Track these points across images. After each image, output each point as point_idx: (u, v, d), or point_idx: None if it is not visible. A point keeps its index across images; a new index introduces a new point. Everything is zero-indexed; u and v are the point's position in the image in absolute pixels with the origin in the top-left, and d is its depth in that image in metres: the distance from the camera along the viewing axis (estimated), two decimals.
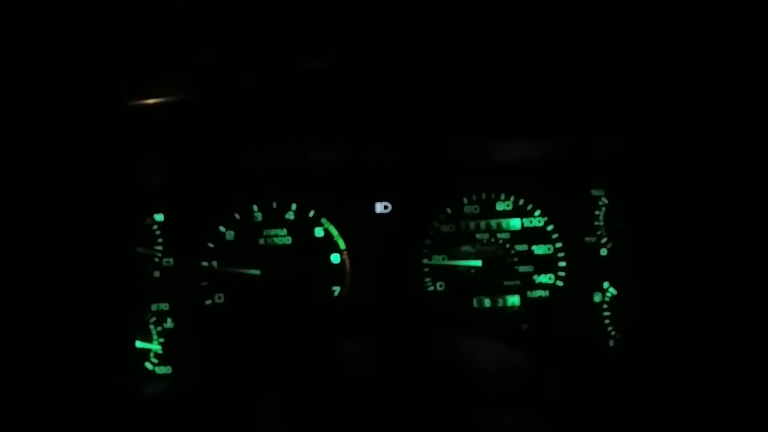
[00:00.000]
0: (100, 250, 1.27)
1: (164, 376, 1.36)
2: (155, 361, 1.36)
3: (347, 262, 1.38)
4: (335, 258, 1.39)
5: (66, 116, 1.06)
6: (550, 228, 1.39)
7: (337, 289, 1.38)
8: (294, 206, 1.39)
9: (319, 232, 1.39)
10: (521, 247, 1.38)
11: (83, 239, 1.23)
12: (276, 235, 1.38)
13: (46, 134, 1.07)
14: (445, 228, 1.39)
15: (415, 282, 1.38)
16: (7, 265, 1.09)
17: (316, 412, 1.14)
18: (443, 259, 1.38)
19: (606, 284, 1.38)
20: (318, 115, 1.11)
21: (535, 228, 1.39)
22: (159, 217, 1.38)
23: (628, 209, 1.38)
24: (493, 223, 1.39)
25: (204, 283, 1.37)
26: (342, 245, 1.39)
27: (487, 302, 1.38)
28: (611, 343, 1.37)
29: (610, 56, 1.05)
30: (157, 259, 1.37)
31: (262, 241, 1.38)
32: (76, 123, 1.07)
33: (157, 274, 1.37)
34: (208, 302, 1.37)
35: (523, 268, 1.38)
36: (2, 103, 1.00)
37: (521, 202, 1.39)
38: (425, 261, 1.38)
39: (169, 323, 1.36)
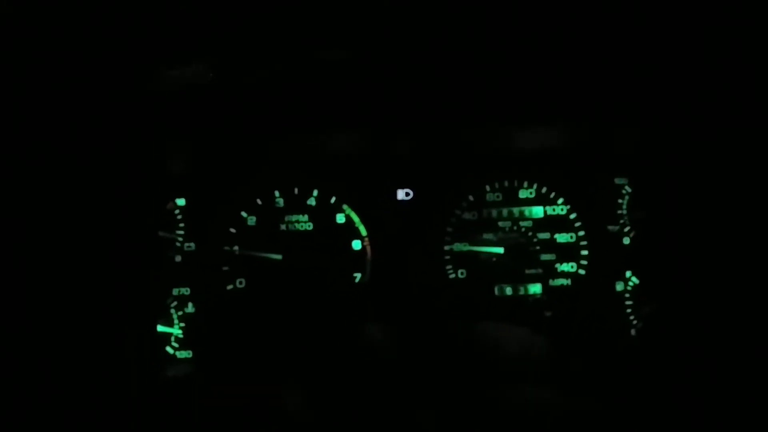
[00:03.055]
0: (122, 234, 1.28)
1: (185, 361, 1.35)
2: (176, 345, 1.36)
3: (368, 248, 1.37)
4: (356, 244, 1.38)
5: (90, 99, 1.06)
6: (572, 216, 1.38)
7: (358, 276, 1.37)
8: (316, 192, 1.38)
9: (340, 218, 1.38)
10: (543, 236, 1.37)
11: (105, 223, 1.25)
12: (297, 221, 1.37)
13: (71, 117, 1.07)
14: (467, 215, 1.38)
15: (436, 269, 1.37)
16: (29, 249, 1.10)
17: (338, 398, 1.15)
18: (465, 246, 1.37)
19: (628, 273, 1.37)
20: (341, 102, 1.10)
21: (558, 216, 1.38)
22: (181, 201, 1.38)
23: (651, 198, 1.37)
24: (516, 210, 1.38)
25: (225, 268, 1.36)
26: (363, 232, 1.38)
27: (508, 290, 1.37)
28: (633, 332, 1.36)
29: (634, 42, 1.04)
30: (178, 244, 1.37)
31: (283, 227, 1.37)
32: (100, 106, 1.07)
33: (178, 258, 1.37)
34: (230, 287, 1.36)
35: (545, 257, 1.37)
36: (27, 85, 1.00)
37: (544, 190, 1.38)
38: (447, 248, 1.37)
39: (190, 308, 1.36)
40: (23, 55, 0.96)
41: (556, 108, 1.13)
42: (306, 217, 1.38)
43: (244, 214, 1.38)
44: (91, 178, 1.21)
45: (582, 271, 1.37)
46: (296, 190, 1.38)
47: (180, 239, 1.37)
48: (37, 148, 1.09)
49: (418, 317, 1.34)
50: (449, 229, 1.38)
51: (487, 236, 1.37)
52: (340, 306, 1.36)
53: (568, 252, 1.37)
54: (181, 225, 1.38)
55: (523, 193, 1.38)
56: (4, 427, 1.04)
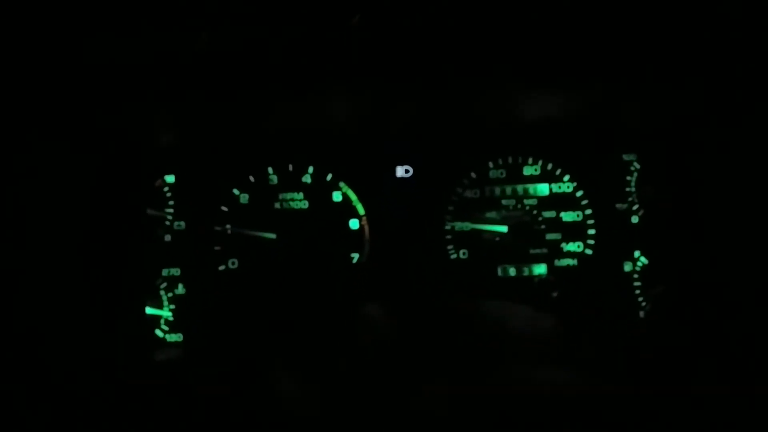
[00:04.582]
0: (108, 213, 1.24)
1: (175, 344, 1.32)
2: (166, 328, 1.32)
3: (366, 228, 1.34)
4: (354, 224, 1.34)
5: (67, 66, 1.01)
6: (579, 194, 1.34)
7: (355, 256, 1.33)
8: (311, 169, 1.34)
9: (337, 196, 1.34)
10: (549, 214, 1.33)
11: (90, 201, 1.20)
12: (292, 199, 1.34)
13: (52, 90, 1.03)
14: (469, 193, 1.34)
15: (437, 249, 1.33)
16: (8, 228, 1.05)
17: (335, 383, 1.11)
18: (467, 225, 1.33)
19: (637, 253, 1.33)
20: (335, 70, 1.05)
21: (564, 194, 1.34)
22: (170, 178, 1.34)
23: (660, 175, 1.33)
24: (520, 188, 1.34)
25: (217, 248, 1.32)
26: (361, 210, 1.34)
27: (512, 271, 1.33)
28: (642, 314, 1.32)
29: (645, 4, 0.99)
30: (168, 222, 1.33)
31: (277, 205, 1.33)
32: (81, 77, 1.02)
33: (168, 237, 1.33)
34: (221, 268, 1.32)
35: (550, 236, 1.33)
36: (9, 61, 0.96)
37: (549, 166, 1.34)
38: (448, 227, 1.34)
39: (180, 289, 1.32)
40: None
41: (563, 69, 1.07)
42: (301, 195, 1.34)
43: (236, 191, 1.33)
44: (74, 154, 1.16)
45: (589, 251, 1.33)
46: (291, 167, 1.34)
47: (169, 218, 1.33)
48: (14, 123, 1.03)
49: (418, 299, 1.30)
50: (450, 208, 1.34)
51: (490, 215, 1.33)
52: (337, 288, 1.33)
53: (574, 231, 1.33)
54: (171, 203, 1.33)
55: (527, 170, 1.34)
56: None
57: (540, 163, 1.34)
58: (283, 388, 1.12)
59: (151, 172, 1.33)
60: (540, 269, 1.32)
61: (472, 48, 1.02)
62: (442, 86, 1.13)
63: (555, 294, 1.29)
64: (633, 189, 1.33)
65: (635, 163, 1.34)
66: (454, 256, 1.33)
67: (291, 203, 1.33)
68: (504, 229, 1.32)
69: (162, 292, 1.32)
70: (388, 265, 1.32)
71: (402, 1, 0.98)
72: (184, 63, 1.02)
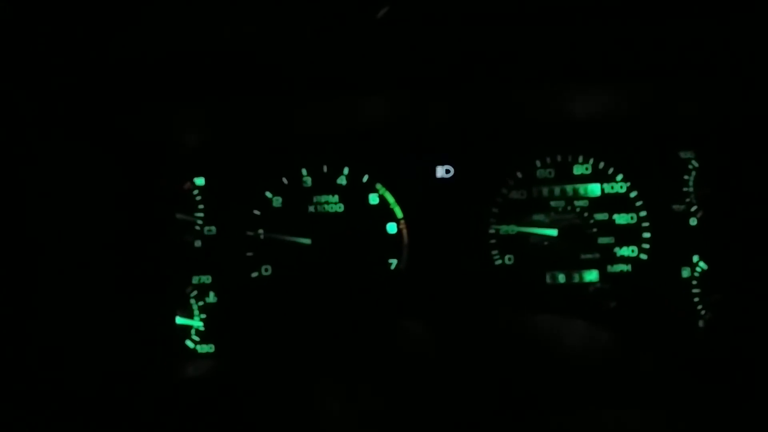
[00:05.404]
0: (135, 217, 1.23)
1: (206, 355, 1.28)
2: (197, 338, 1.29)
3: (405, 232, 1.29)
4: (392, 228, 1.29)
5: (96, 68, 0.97)
6: (633, 194, 1.27)
7: (393, 262, 1.28)
8: (346, 170, 1.30)
9: (373, 198, 1.29)
10: (601, 216, 1.27)
11: (116, 205, 1.18)
12: (327, 202, 1.29)
13: (76, 90, 0.99)
14: (514, 194, 1.28)
15: (480, 254, 1.28)
16: (37, 236, 1.03)
17: (374, 397, 1.06)
18: (513, 228, 1.27)
19: (696, 258, 1.27)
20: (373, 61, 1.00)
21: (617, 194, 1.28)
22: (200, 180, 1.30)
23: (720, 174, 1.27)
24: (570, 188, 1.28)
25: (249, 254, 1.28)
26: (399, 213, 1.29)
27: (561, 278, 1.26)
28: (701, 323, 1.26)
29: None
30: (198, 227, 1.29)
31: (311, 209, 1.29)
32: (107, 76, 0.98)
33: (198, 243, 1.29)
34: (254, 274, 1.28)
35: (603, 240, 1.27)
36: (31, 61, 0.93)
37: (601, 165, 1.28)
38: (492, 231, 1.28)
39: (211, 297, 1.29)
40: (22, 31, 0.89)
41: (616, 66, 1.00)
42: (336, 198, 1.29)
43: (269, 194, 1.29)
44: (100, 157, 1.13)
45: (644, 256, 1.26)
46: (325, 168, 1.29)
47: (199, 222, 1.29)
48: (42, 127, 1.01)
49: (461, 308, 1.24)
50: (495, 210, 1.28)
51: (537, 217, 1.27)
52: (375, 295, 1.28)
53: (628, 234, 1.27)
54: (201, 207, 1.30)
55: (578, 169, 1.28)
56: (17, 425, 0.96)
57: (591, 161, 1.28)
58: (319, 402, 1.07)
59: (179, 175, 1.29)
60: (591, 276, 1.26)
61: (520, 46, 0.97)
62: (487, 86, 1.06)
63: (613, 305, 1.22)
64: (691, 189, 1.27)
65: (693, 161, 1.27)
66: (499, 262, 1.27)
67: (326, 206, 1.28)
68: (553, 232, 1.25)
69: (192, 301, 1.29)
70: (428, 272, 1.28)
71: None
72: (213, 62, 0.98)
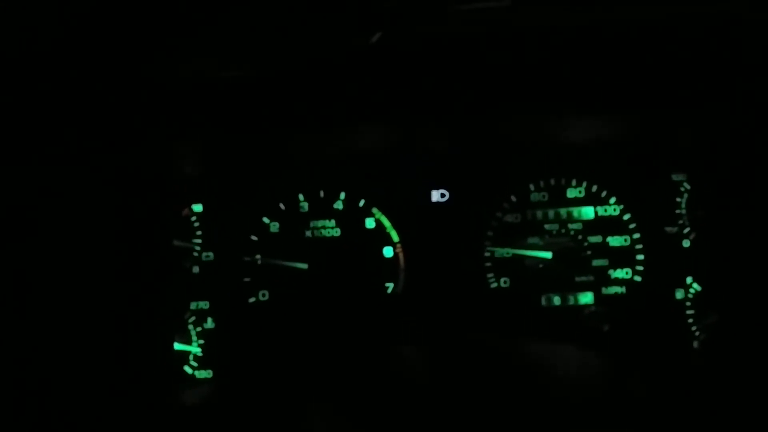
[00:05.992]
0: (133, 244, 1.21)
1: (205, 381, 1.28)
2: (195, 364, 1.29)
3: (401, 255, 1.29)
4: (388, 251, 1.30)
5: (95, 95, 0.98)
6: (626, 217, 1.28)
7: (390, 286, 1.29)
8: (343, 195, 1.30)
9: (370, 223, 1.30)
10: (595, 239, 1.28)
11: (115, 232, 1.17)
12: (324, 227, 1.30)
13: (74, 116, 1.00)
14: (509, 218, 1.29)
15: (476, 278, 1.28)
16: (33, 259, 1.03)
17: (367, 422, 1.06)
18: (508, 252, 1.27)
19: (689, 279, 1.27)
20: (368, 91, 1.01)
21: (610, 217, 1.28)
22: (197, 207, 1.31)
23: (713, 196, 1.27)
24: (563, 212, 1.28)
25: (247, 279, 1.29)
26: (395, 237, 1.30)
27: (556, 300, 1.27)
28: (695, 345, 1.26)
29: (695, 23, 0.94)
30: (195, 254, 1.30)
31: (308, 234, 1.30)
32: (105, 103, 0.99)
33: (196, 269, 1.30)
34: (252, 300, 1.29)
35: (597, 262, 1.27)
36: (29, 89, 0.94)
37: (594, 188, 1.29)
38: (487, 254, 1.28)
39: (209, 323, 1.29)
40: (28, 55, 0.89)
41: (606, 96, 1.03)
42: (333, 223, 1.30)
43: (266, 220, 1.30)
44: (98, 183, 1.13)
45: (638, 278, 1.27)
46: (322, 193, 1.30)
47: (197, 248, 1.30)
48: (41, 152, 1.02)
49: (457, 332, 1.24)
50: (490, 233, 1.29)
51: (532, 240, 1.28)
52: (371, 319, 1.28)
53: (622, 257, 1.27)
54: (198, 233, 1.31)
55: (571, 192, 1.29)
56: None
57: (584, 184, 1.29)
58: (316, 426, 1.07)
59: (177, 201, 1.30)
60: (586, 298, 1.26)
61: (512, 76, 0.99)
62: (480, 112, 1.08)
63: (606, 327, 1.23)
64: (683, 211, 1.28)
65: (685, 183, 1.28)
66: (494, 285, 1.28)
67: (323, 231, 1.29)
68: (548, 255, 1.26)
69: (190, 327, 1.29)
70: (425, 296, 1.28)
71: (434, 26, 0.94)
72: (209, 94, 0.99)
